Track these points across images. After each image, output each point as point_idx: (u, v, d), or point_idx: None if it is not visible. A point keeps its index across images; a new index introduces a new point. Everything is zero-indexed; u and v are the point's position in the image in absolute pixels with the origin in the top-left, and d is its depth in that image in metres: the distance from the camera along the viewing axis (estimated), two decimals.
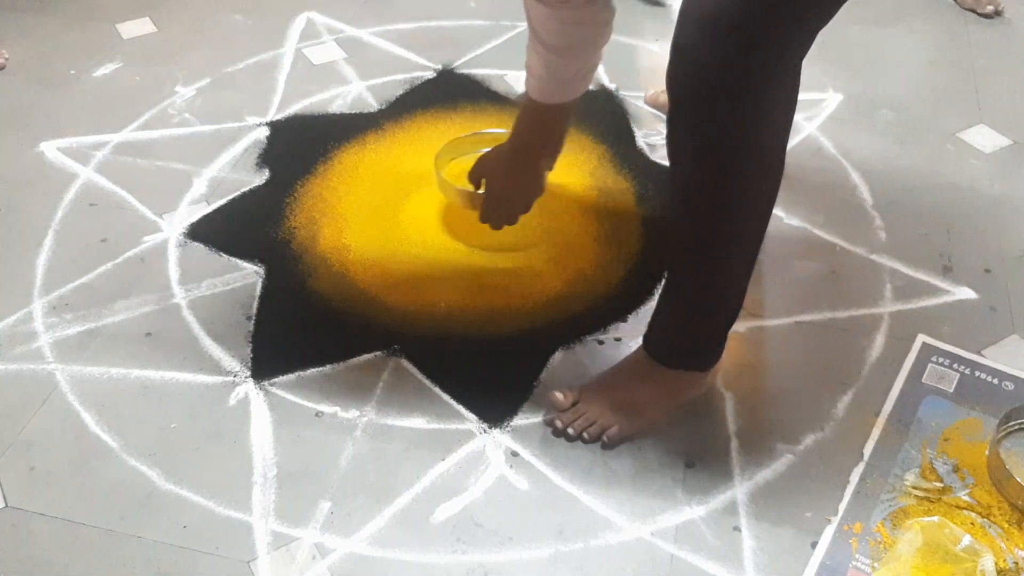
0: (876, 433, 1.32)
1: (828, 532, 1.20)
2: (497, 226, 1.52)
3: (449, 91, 1.96)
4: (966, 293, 1.54)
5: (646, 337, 1.33)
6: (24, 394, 1.36)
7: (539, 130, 1.43)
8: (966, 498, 1.24)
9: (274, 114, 1.90)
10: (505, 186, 1.48)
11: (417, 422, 1.33)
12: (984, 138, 1.86)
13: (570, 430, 1.30)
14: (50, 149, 1.80)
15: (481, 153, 1.54)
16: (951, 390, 1.38)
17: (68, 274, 1.54)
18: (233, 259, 1.57)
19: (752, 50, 1.02)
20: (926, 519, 1.18)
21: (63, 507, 1.22)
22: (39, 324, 1.46)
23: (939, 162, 1.80)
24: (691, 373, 1.32)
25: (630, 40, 2.15)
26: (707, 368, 1.33)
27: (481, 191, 1.52)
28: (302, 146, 1.81)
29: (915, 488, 1.25)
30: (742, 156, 1.10)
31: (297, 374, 1.39)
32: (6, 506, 1.22)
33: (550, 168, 1.53)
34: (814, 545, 1.19)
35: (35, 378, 1.38)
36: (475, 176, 1.51)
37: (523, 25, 2.13)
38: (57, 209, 1.67)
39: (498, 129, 1.70)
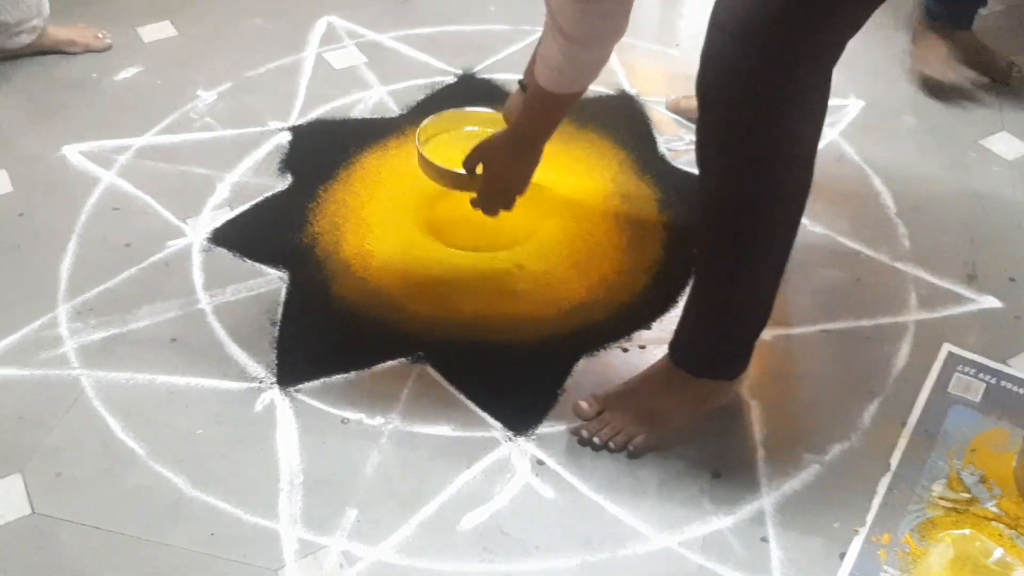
0: (903, 443, 1.32)
1: (856, 543, 1.20)
2: (494, 213, 1.51)
3: (470, 96, 1.96)
4: (991, 302, 1.53)
5: (672, 345, 1.33)
6: (50, 400, 1.36)
7: (545, 119, 1.41)
8: (994, 509, 1.23)
9: (296, 119, 1.90)
10: (504, 171, 1.47)
11: (442, 429, 1.33)
12: (1006, 145, 1.85)
13: (596, 439, 1.30)
14: (72, 153, 1.81)
15: (463, 131, 1.61)
16: (977, 400, 1.37)
17: (92, 279, 1.55)
18: (257, 264, 1.57)
19: (782, 60, 1.01)
20: (957, 531, 1.18)
21: (90, 514, 1.22)
22: (64, 329, 1.46)
23: (962, 169, 1.80)
24: (718, 382, 1.32)
25: (650, 45, 2.14)
26: (734, 377, 1.32)
27: (461, 171, 1.51)
28: (324, 151, 1.81)
29: (942, 499, 1.25)
30: (771, 165, 1.10)
31: (322, 380, 1.39)
32: (33, 512, 1.23)
33: None
34: (842, 556, 1.19)
35: (61, 384, 1.39)
36: (471, 162, 1.49)
37: (543, 29, 2.15)
38: (80, 213, 1.67)
39: (480, 108, 1.73)
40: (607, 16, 1.21)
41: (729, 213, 1.15)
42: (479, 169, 1.48)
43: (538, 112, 1.38)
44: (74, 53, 2.07)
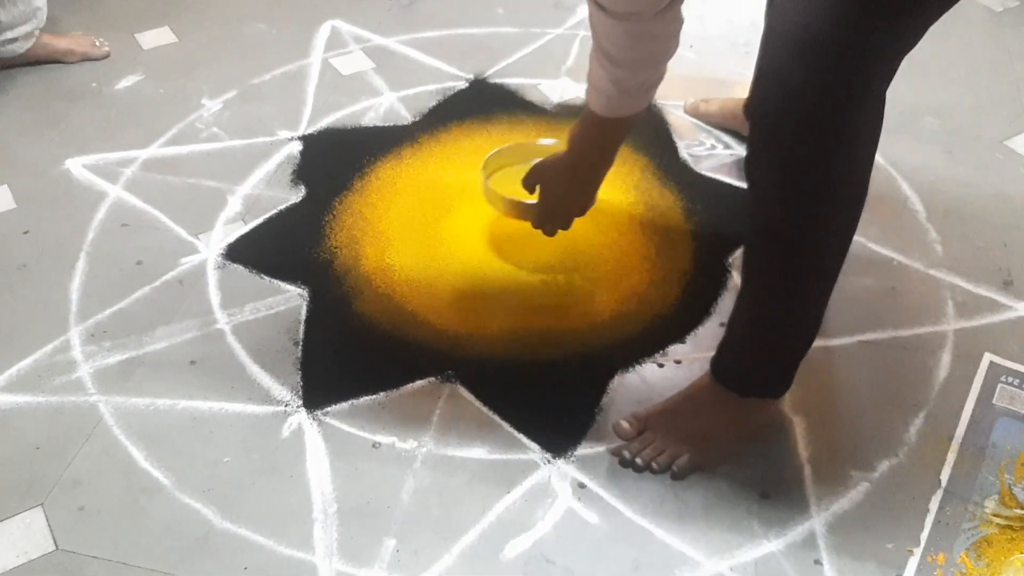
0: (951, 458, 1.28)
1: (912, 564, 1.17)
2: (551, 232, 1.48)
3: (483, 102, 1.91)
4: None
5: (715, 363, 1.29)
6: (68, 428, 1.31)
7: (600, 144, 1.38)
8: None
9: (306, 127, 1.84)
10: (562, 195, 1.44)
11: (478, 452, 1.29)
12: None
13: (638, 460, 1.26)
14: (76, 166, 1.75)
15: (529, 164, 1.50)
16: (1023, 411, 1.34)
17: (104, 299, 1.49)
18: (275, 281, 1.52)
19: (842, 76, 0.97)
20: None
21: (116, 549, 1.17)
22: (78, 353, 1.41)
23: (989, 171, 1.77)
24: (763, 400, 1.28)
25: None
26: (780, 395, 1.29)
27: (532, 201, 1.47)
28: (337, 161, 1.76)
29: (996, 516, 1.21)
30: (828, 183, 1.06)
31: (350, 402, 1.34)
32: (57, 549, 1.17)
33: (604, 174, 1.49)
34: None
35: (78, 411, 1.33)
36: (530, 182, 1.46)
37: (553, 32, 2.12)
38: (88, 230, 1.61)
39: (545, 140, 1.68)
40: (650, 37, 1.17)
41: (781, 232, 1.11)
42: (537, 190, 1.45)
43: (594, 137, 1.33)
44: (71, 62, 2.01)
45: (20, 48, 1.95)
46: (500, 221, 1.60)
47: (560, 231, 1.47)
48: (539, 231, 1.47)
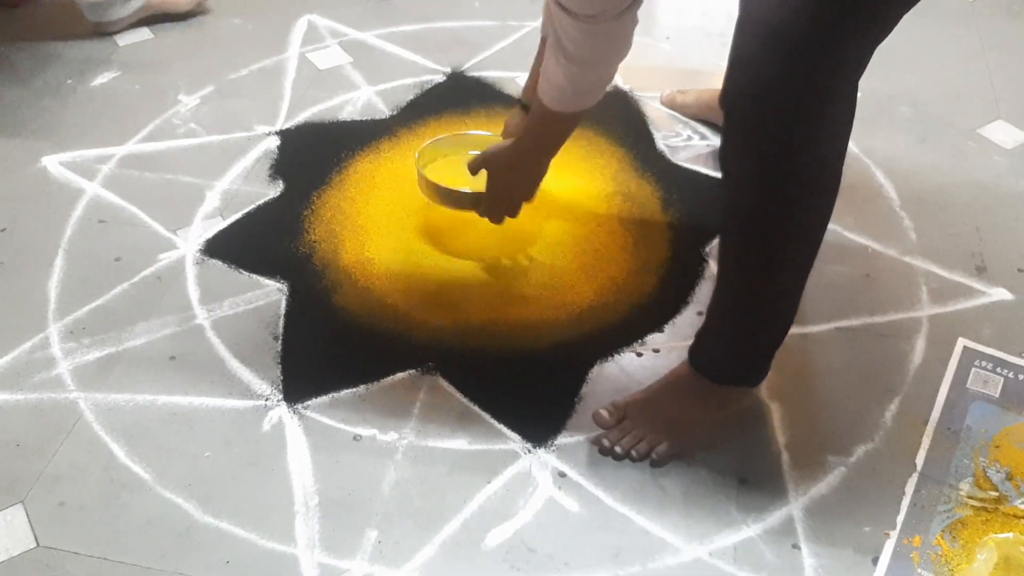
0: (927, 442, 1.30)
1: (888, 547, 1.18)
2: (499, 220, 1.49)
3: (461, 95, 1.92)
4: (1002, 294, 1.52)
5: (693, 352, 1.30)
6: (48, 425, 1.31)
7: (549, 136, 1.39)
8: (1023, 507, 1.22)
9: (283, 122, 1.84)
10: (509, 183, 1.45)
11: (459, 443, 1.29)
12: (1005, 134, 1.84)
13: (618, 448, 1.27)
14: (53, 164, 1.74)
15: (462, 154, 1.58)
16: (997, 395, 1.36)
17: (83, 296, 1.49)
18: (254, 276, 1.52)
19: (816, 65, 0.98)
20: (1001, 535, 1.16)
21: (98, 545, 1.17)
22: (57, 350, 1.41)
23: (962, 159, 1.78)
24: (740, 388, 1.29)
25: (640, 38, 2.10)
26: (757, 384, 1.30)
27: (469, 191, 1.50)
28: (315, 155, 1.76)
29: (971, 498, 1.23)
30: (800, 172, 1.07)
31: (331, 396, 1.35)
32: (38, 545, 1.17)
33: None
34: (875, 561, 1.17)
35: (57, 407, 1.33)
36: (475, 167, 1.46)
37: (531, 25, 2.12)
38: (66, 227, 1.61)
39: (480, 131, 1.70)
40: (611, 37, 1.19)
41: (756, 221, 1.12)
42: (482, 175, 1.45)
43: (542, 130, 1.35)
44: (180, 12, 2.12)
45: (138, 3, 2.06)
46: (478, 216, 1.60)
47: (508, 219, 1.49)
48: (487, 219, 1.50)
